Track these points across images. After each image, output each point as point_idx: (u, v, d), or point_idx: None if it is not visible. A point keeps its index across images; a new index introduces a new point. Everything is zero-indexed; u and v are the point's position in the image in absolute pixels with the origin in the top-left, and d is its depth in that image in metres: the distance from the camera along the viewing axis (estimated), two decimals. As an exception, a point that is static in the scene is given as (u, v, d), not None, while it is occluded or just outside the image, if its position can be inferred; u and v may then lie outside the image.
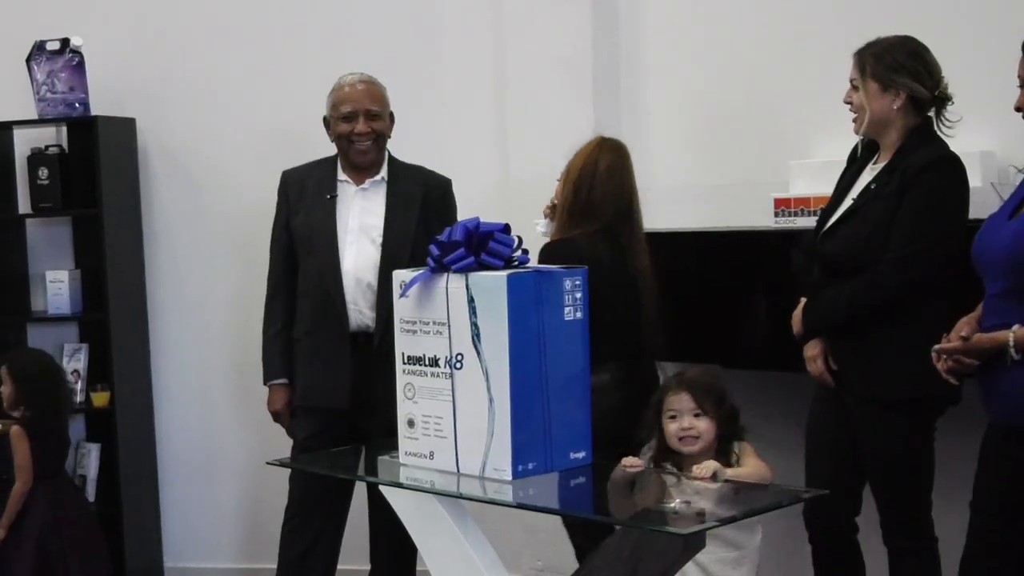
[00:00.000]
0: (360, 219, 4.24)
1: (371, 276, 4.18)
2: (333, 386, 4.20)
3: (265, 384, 4.39)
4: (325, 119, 4.31)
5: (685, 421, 3.31)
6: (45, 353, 4.94)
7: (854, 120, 3.63)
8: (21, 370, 4.71)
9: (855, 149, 3.75)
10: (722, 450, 3.30)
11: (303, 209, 4.30)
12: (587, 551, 3.97)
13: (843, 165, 3.76)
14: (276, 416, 4.39)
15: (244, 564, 5.29)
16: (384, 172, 4.29)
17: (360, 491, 4.36)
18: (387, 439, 3.36)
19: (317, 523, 4.32)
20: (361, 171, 4.27)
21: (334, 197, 4.26)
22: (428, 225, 4.17)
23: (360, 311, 4.19)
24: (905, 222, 3.44)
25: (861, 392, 3.55)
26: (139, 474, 5.21)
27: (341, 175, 4.29)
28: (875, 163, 3.64)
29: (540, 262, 3.69)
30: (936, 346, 3.11)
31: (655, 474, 3.11)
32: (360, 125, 4.21)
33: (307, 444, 4.23)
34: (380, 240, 4.20)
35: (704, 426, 3.31)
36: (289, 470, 4.27)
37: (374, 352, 4.15)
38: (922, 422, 3.55)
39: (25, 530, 4.59)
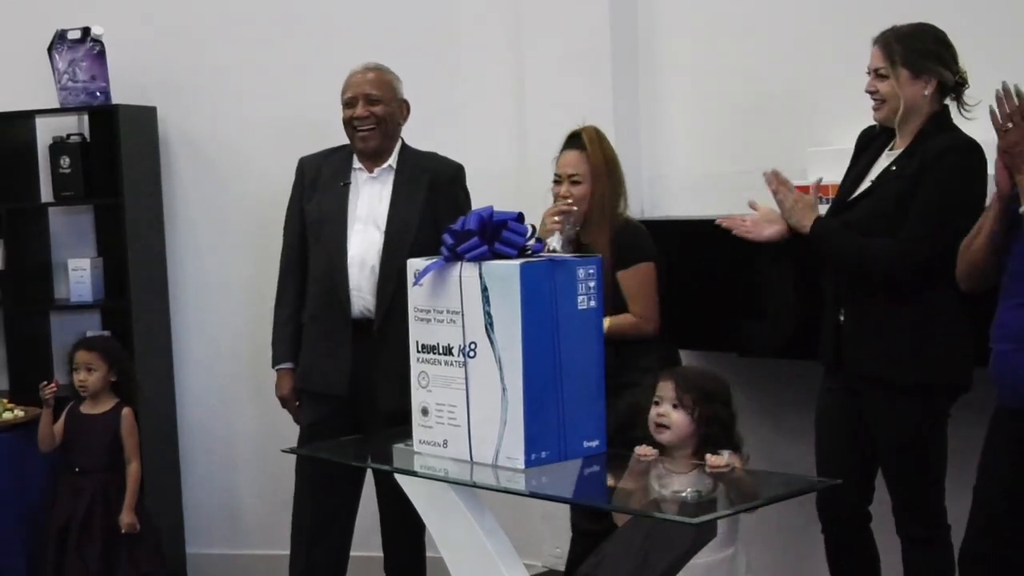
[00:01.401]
0: (368, 207, 4.26)
1: (376, 263, 4.20)
2: (332, 371, 4.22)
3: (273, 368, 4.41)
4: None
5: (663, 408, 3.30)
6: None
7: (875, 108, 3.63)
8: (114, 354, 4.70)
9: (863, 136, 3.75)
10: (703, 450, 3.20)
11: (316, 195, 4.33)
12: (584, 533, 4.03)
13: (891, 156, 3.72)
14: (283, 401, 4.42)
15: (266, 550, 5.30)
16: (394, 160, 4.30)
17: (369, 477, 4.38)
18: (395, 427, 3.37)
19: (327, 509, 4.33)
20: (372, 159, 4.29)
21: (347, 184, 4.28)
22: (437, 211, 4.19)
23: (363, 298, 4.21)
24: (920, 204, 3.45)
25: (873, 377, 3.55)
26: (160, 461, 5.24)
27: (356, 163, 4.31)
28: (891, 149, 3.64)
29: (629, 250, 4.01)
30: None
31: (668, 463, 3.11)
32: (359, 109, 4.23)
33: (312, 431, 4.25)
34: (384, 227, 4.21)
35: (677, 418, 3.27)
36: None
37: (374, 338, 4.17)
38: (934, 407, 3.56)
39: (97, 516, 4.59)
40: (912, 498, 3.60)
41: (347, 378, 4.20)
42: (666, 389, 3.32)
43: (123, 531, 4.55)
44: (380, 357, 4.15)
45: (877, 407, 3.57)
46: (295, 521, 4.40)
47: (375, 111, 4.24)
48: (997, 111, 3.04)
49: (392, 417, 3.95)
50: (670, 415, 3.28)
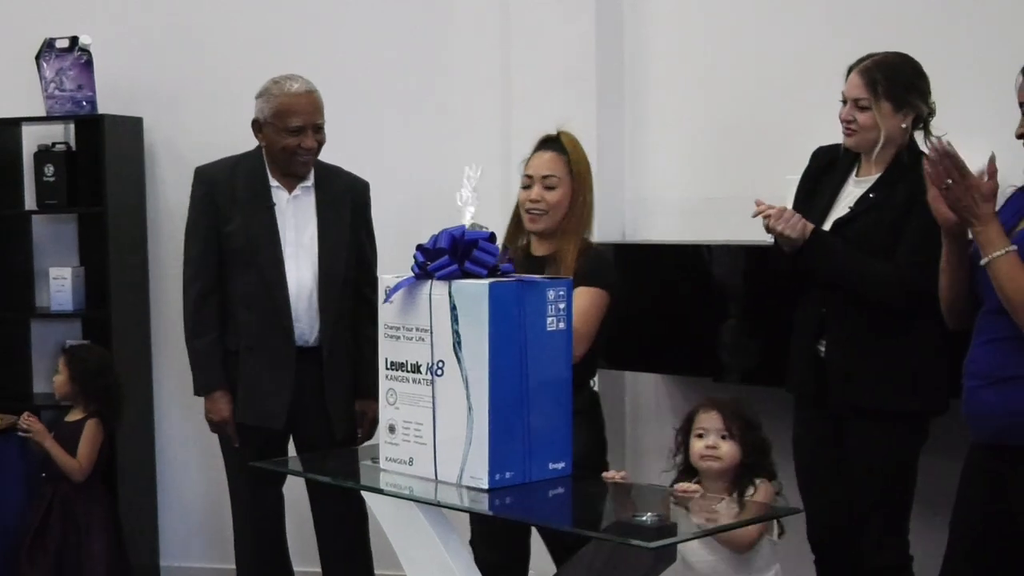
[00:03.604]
0: (296, 230, 4.15)
1: (314, 290, 4.13)
2: (272, 405, 4.13)
3: (201, 394, 4.25)
4: (256, 121, 4.14)
5: (711, 440, 3.34)
6: (106, 353, 4.90)
7: (847, 135, 3.63)
8: (76, 363, 4.69)
9: (822, 155, 3.78)
10: (742, 479, 3.30)
11: (238, 216, 4.14)
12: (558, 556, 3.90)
13: (859, 183, 3.72)
14: (220, 425, 4.23)
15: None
16: (311, 177, 4.19)
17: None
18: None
19: (268, 524, 4.35)
20: (292, 177, 4.17)
21: (272, 207, 4.14)
22: (358, 233, 4.19)
23: (301, 325, 4.13)
24: (917, 232, 3.46)
25: (859, 405, 3.56)
26: (137, 473, 5.24)
27: (272, 180, 4.17)
28: (857, 175, 3.67)
29: (591, 273, 3.64)
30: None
31: (633, 487, 3.11)
32: (308, 140, 4.08)
33: (243, 456, 4.13)
34: (316, 252, 4.13)
35: (727, 448, 3.33)
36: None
37: (324, 364, 4.12)
38: (916, 434, 3.57)
39: (54, 524, 4.59)
40: (885, 526, 3.60)
41: (286, 411, 4.11)
42: (711, 420, 3.37)
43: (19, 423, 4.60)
44: (324, 382, 4.12)
45: (861, 435, 3.58)
46: (236, 537, 4.45)
47: (320, 139, 4.12)
48: (931, 171, 3.03)
49: (342, 443, 4.00)
50: (720, 446, 3.33)
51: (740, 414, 3.37)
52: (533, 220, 3.75)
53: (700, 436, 3.37)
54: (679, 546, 3.14)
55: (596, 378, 3.87)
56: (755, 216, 3.58)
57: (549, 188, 3.73)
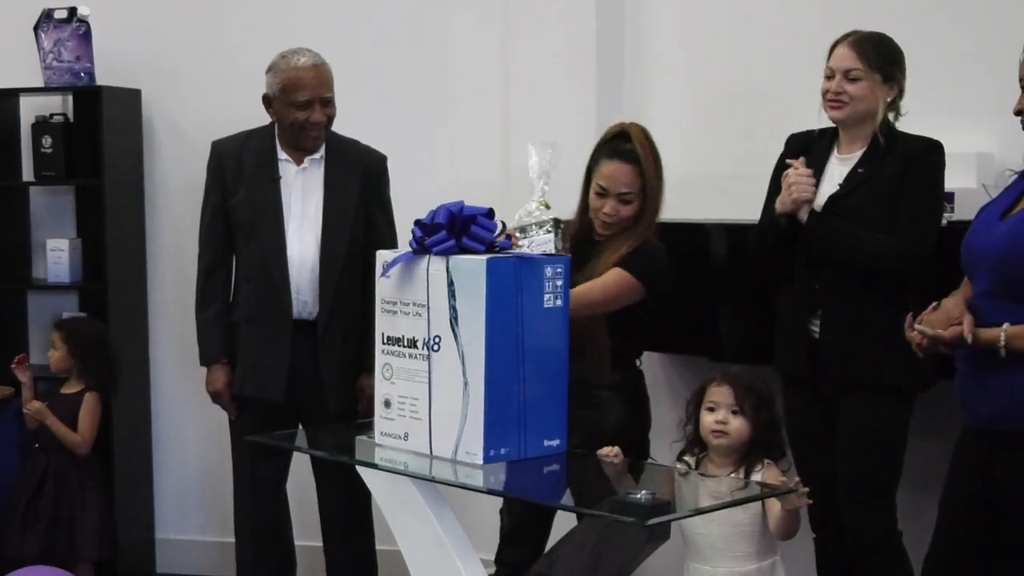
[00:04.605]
0: (302, 203, 4.16)
1: (315, 262, 4.13)
2: (269, 376, 4.15)
3: (204, 364, 4.32)
4: (267, 97, 4.15)
5: (720, 414, 3.32)
6: (102, 325, 4.90)
7: (835, 107, 3.66)
8: (75, 338, 4.68)
9: (795, 142, 3.82)
10: (750, 457, 3.28)
11: (243, 189, 4.18)
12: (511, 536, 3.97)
13: (843, 160, 3.73)
14: (216, 396, 4.31)
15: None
16: (322, 150, 4.19)
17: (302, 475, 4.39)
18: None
19: (267, 497, 4.35)
20: (302, 150, 4.18)
21: (277, 180, 4.15)
22: (368, 206, 4.16)
23: (302, 299, 4.14)
24: (914, 201, 3.53)
25: (852, 381, 3.57)
26: (133, 445, 5.23)
27: (281, 153, 4.18)
28: (839, 153, 3.71)
29: (631, 260, 3.66)
30: (920, 326, 3.10)
31: (628, 464, 3.11)
32: (316, 114, 4.08)
33: (244, 427, 4.17)
34: (320, 225, 4.13)
35: (737, 424, 3.30)
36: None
37: (320, 338, 4.12)
38: (902, 408, 3.60)
39: (46, 495, 4.60)
40: (875, 500, 3.61)
41: (284, 382, 4.13)
42: (722, 395, 3.33)
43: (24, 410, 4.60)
44: (324, 356, 4.12)
45: (851, 410, 3.59)
46: (237, 511, 4.46)
47: (329, 113, 4.13)
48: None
49: (333, 415, 3.99)
50: (730, 421, 3.31)
51: (753, 389, 3.34)
52: (606, 227, 3.77)
53: (711, 410, 3.34)
54: (680, 522, 3.18)
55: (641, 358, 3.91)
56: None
57: (625, 203, 3.73)
